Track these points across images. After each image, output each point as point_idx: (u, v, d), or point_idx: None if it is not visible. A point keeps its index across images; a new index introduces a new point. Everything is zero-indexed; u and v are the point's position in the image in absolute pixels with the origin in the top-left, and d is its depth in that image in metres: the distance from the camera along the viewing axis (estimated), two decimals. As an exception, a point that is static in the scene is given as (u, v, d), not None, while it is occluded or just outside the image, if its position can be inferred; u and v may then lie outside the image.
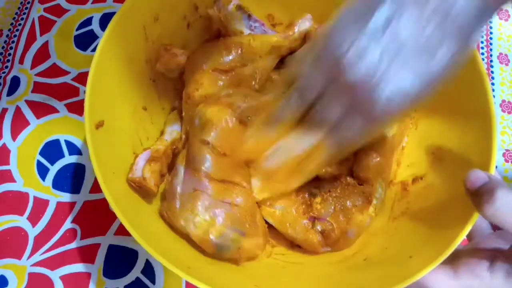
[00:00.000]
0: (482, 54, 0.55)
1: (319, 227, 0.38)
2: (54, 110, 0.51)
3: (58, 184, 0.48)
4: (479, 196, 0.28)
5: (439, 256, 0.30)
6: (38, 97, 0.52)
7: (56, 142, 0.50)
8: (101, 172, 0.33)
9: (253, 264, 0.38)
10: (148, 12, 0.40)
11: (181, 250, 0.36)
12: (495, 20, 0.58)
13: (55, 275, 0.44)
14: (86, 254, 0.45)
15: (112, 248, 0.45)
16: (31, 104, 0.51)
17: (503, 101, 0.52)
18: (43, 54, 0.54)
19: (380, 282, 0.32)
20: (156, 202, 0.40)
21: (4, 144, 0.49)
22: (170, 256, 0.31)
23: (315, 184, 0.40)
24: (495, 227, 0.34)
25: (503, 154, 0.49)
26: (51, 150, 0.49)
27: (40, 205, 0.47)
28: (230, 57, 0.42)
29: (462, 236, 0.31)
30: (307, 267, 0.39)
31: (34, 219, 0.46)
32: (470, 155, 0.36)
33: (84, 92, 0.36)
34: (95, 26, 0.56)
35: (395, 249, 0.37)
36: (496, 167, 0.49)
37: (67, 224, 0.46)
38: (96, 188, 0.47)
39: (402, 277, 0.30)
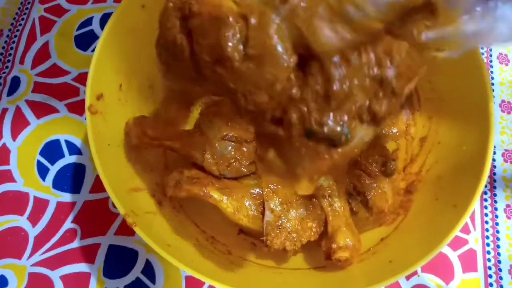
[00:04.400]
0: (482, 54, 0.55)
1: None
2: (54, 110, 0.51)
3: (58, 184, 0.48)
4: None
5: (419, 260, 0.32)
6: (38, 97, 0.52)
7: (56, 142, 0.50)
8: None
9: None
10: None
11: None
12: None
13: (55, 275, 0.44)
14: (86, 254, 0.45)
15: (112, 248, 0.45)
16: (31, 104, 0.51)
17: (503, 101, 0.52)
18: (43, 54, 0.54)
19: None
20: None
21: (4, 144, 0.49)
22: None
23: None
24: None
25: (502, 154, 0.49)
26: (51, 150, 0.49)
27: (40, 205, 0.47)
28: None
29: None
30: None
31: (34, 219, 0.46)
32: (467, 154, 0.36)
33: (84, 92, 0.37)
34: (95, 26, 0.56)
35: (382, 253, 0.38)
36: (495, 167, 0.49)
37: (67, 224, 0.46)
38: (96, 188, 0.47)
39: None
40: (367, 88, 0.21)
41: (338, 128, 0.21)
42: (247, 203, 0.39)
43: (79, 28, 0.56)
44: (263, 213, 0.39)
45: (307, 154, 0.22)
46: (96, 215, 0.46)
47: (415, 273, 0.44)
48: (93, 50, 0.54)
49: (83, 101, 0.35)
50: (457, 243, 0.45)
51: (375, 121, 0.22)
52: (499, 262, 0.45)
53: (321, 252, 0.39)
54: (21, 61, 0.54)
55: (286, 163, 0.23)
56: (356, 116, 0.22)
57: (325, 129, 0.21)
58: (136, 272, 0.44)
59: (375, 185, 0.40)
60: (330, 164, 0.22)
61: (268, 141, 0.23)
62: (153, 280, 0.44)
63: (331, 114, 0.21)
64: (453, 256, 0.44)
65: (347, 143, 0.22)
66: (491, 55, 0.55)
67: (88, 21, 0.56)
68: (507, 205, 0.47)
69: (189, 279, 0.44)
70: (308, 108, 0.21)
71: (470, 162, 0.36)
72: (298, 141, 0.22)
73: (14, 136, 0.50)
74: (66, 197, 0.47)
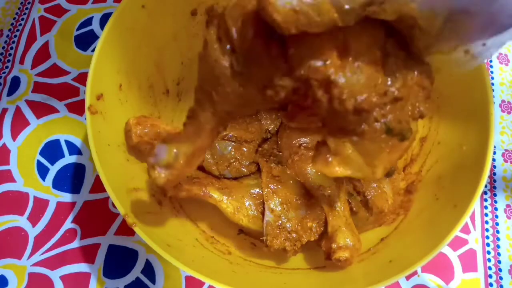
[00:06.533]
0: (482, 54, 0.55)
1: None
2: (54, 110, 0.51)
3: (58, 184, 0.48)
4: None
5: (419, 260, 0.32)
6: (38, 97, 0.52)
7: (56, 142, 0.50)
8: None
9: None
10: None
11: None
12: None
13: (55, 275, 0.44)
14: (86, 254, 0.45)
15: (112, 248, 0.45)
16: (31, 104, 0.51)
17: (503, 101, 0.52)
18: (43, 54, 0.54)
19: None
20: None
21: (4, 144, 0.50)
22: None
23: None
24: None
25: (503, 154, 0.49)
26: (51, 150, 0.49)
27: (40, 205, 0.47)
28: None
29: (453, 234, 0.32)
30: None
31: (34, 219, 0.46)
32: (467, 154, 0.36)
33: (84, 92, 0.37)
34: (95, 26, 0.56)
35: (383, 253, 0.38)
36: (495, 167, 0.49)
37: (67, 224, 0.46)
38: (96, 188, 0.47)
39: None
40: (416, 93, 0.27)
41: (406, 125, 0.27)
42: (247, 203, 0.39)
43: (79, 28, 0.56)
44: (263, 213, 0.39)
45: (385, 147, 0.27)
46: (96, 215, 0.46)
47: (415, 273, 0.44)
48: (93, 50, 0.54)
49: (83, 101, 0.35)
50: (457, 243, 0.45)
51: (421, 117, 0.27)
52: (499, 262, 0.45)
53: (321, 252, 0.39)
54: (21, 61, 0.54)
55: (364, 157, 0.27)
56: (411, 116, 0.27)
57: (400, 126, 0.26)
58: (136, 272, 0.44)
59: (375, 185, 0.41)
60: (401, 154, 0.28)
61: (343, 137, 0.27)
62: (153, 280, 0.44)
63: (401, 114, 0.26)
64: (453, 256, 0.44)
65: (411, 136, 0.27)
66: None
67: (88, 21, 0.56)
68: (507, 205, 0.47)
69: (189, 279, 0.44)
70: (389, 109, 0.26)
71: (470, 162, 0.36)
72: (379, 136, 0.26)
73: (14, 136, 0.50)
74: (66, 197, 0.47)
